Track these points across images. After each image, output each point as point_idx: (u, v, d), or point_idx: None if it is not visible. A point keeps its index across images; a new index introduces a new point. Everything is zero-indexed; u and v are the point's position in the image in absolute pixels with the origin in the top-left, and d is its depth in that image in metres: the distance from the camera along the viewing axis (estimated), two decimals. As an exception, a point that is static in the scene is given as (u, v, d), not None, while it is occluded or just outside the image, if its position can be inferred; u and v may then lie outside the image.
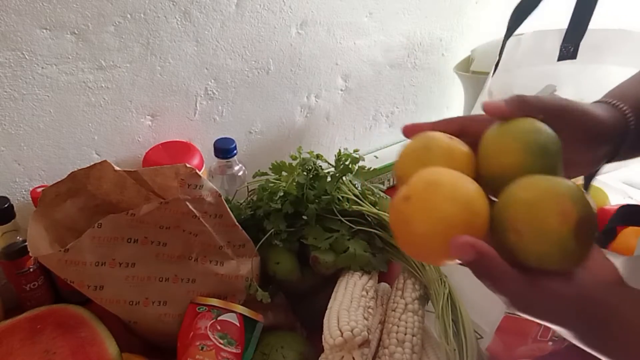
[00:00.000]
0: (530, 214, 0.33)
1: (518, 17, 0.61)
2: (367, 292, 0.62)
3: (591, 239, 0.35)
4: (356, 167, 0.72)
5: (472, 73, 0.88)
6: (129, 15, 0.64)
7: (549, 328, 0.59)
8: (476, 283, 0.35)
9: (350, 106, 0.94)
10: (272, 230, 0.66)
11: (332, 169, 0.71)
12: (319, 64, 0.85)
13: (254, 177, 0.73)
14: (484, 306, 0.61)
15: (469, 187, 0.34)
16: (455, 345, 0.55)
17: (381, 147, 1.04)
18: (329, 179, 0.69)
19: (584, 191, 0.34)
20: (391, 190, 0.98)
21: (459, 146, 0.38)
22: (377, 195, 0.72)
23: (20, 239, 0.64)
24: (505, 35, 0.63)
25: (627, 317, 0.35)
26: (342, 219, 0.67)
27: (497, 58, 0.67)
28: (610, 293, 0.36)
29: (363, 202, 0.69)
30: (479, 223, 0.34)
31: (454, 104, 1.08)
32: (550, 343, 0.60)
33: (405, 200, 0.34)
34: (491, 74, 0.69)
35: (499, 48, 0.65)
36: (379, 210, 0.68)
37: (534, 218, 0.33)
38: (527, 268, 0.34)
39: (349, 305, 0.58)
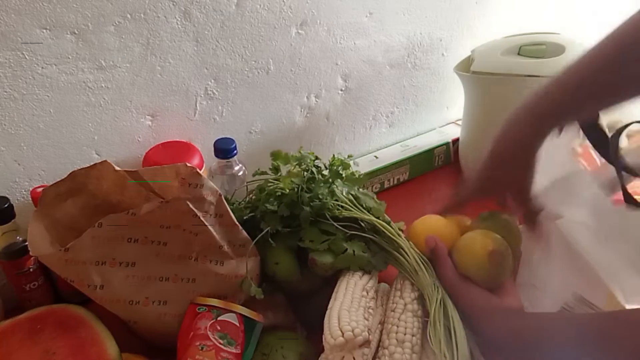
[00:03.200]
0: (468, 242, 0.62)
1: None
2: (367, 293, 0.62)
3: (503, 268, 0.59)
4: (349, 172, 0.71)
5: (472, 73, 0.88)
6: (129, 15, 0.65)
7: None
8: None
9: (350, 106, 0.94)
10: (268, 228, 0.66)
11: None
12: (319, 64, 0.85)
13: (253, 175, 0.73)
14: None
15: (445, 222, 0.68)
16: (447, 351, 0.55)
17: (381, 147, 1.04)
18: (321, 184, 0.68)
19: (505, 243, 0.60)
20: (392, 189, 0.98)
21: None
22: (373, 201, 0.72)
23: (20, 239, 0.64)
24: None
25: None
26: (336, 224, 0.66)
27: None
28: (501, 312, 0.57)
29: (356, 207, 0.69)
30: (447, 238, 0.65)
31: (454, 104, 1.08)
32: None
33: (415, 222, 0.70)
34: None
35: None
36: (371, 215, 0.68)
37: (468, 244, 0.62)
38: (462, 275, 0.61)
39: (350, 306, 0.58)
